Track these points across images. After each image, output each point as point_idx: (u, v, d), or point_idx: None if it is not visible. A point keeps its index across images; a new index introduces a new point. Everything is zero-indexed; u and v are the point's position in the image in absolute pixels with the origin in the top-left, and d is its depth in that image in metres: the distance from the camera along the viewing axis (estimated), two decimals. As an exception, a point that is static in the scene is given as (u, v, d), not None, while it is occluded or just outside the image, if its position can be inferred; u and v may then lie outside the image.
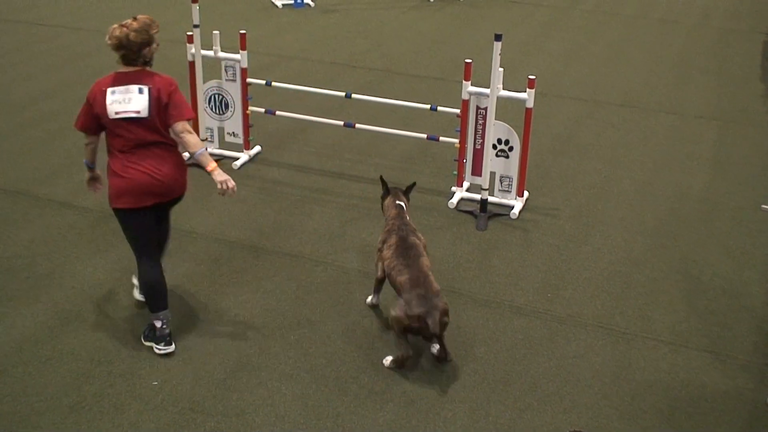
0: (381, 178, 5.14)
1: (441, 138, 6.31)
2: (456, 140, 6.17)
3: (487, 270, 5.39)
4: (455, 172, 6.30)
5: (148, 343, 4.54)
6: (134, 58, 4.30)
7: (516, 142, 5.98)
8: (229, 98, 6.68)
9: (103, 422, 4.02)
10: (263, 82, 6.71)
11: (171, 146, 4.43)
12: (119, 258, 5.35)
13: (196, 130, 6.75)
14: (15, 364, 4.39)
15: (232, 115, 6.73)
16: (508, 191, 6.14)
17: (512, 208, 6.09)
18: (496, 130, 5.96)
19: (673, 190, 6.56)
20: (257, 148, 6.97)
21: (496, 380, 4.38)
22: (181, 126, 4.33)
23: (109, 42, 4.27)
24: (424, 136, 6.40)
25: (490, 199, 6.09)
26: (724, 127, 7.93)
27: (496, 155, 6.05)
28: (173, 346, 4.50)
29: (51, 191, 6.27)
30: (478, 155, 6.10)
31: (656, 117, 8.13)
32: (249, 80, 6.60)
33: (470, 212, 6.09)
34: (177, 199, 4.57)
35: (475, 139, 6.08)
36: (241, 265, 5.35)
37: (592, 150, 7.30)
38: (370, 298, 4.95)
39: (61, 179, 6.39)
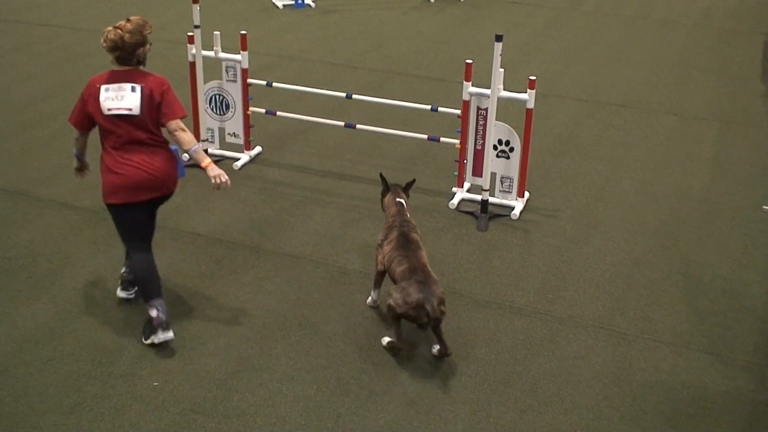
0: (381, 175, 5.20)
1: (442, 139, 6.31)
2: (457, 141, 6.17)
3: (488, 271, 5.39)
4: (456, 173, 6.30)
5: (149, 341, 4.54)
6: (129, 58, 4.42)
7: (517, 143, 5.98)
8: (229, 99, 6.68)
9: (104, 423, 4.02)
10: (264, 82, 6.71)
11: (161, 143, 4.55)
12: (120, 258, 5.34)
13: (197, 130, 6.75)
14: (16, 365, 4.39)
15: (232, 116, 6.73)
16: (508, 192, 6.14)
17: (513, 208, 6.09)
18: (496, 130, 5.96)
19: (673, 191, 6.56)
20: (258, 149, 6.97)
21: (497, 381, 4.38)
22: (175, 124, 4.48)
23: (104, 44, 4.39)
24: (425, 136, 6.40)
25: (491, 199, 6.09)
26: (724, 127, 7.93)
27: (497, 156, 6.05)
28: (171, 332, 4.49)
29: (51, 191, 6.27)
30: (478, 156, 6.10)
31: (657, 117, 8.13)
32: (250, 81, 6.60)
33: (471, 213, 6.09)
34: (168, 195, 4.67)
35: (475, 139, 6.08)
36: (242, 266, 5.35)
37: (593, 150, 7.30)
38: (370, 299, 4.96)
39: (61, 179, 6.39)
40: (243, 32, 6.51)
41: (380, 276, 4.84)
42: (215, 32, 6.55)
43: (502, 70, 5.73)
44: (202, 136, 6.74)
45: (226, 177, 4.51)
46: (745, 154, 7.30)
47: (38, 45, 9.89)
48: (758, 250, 5.73)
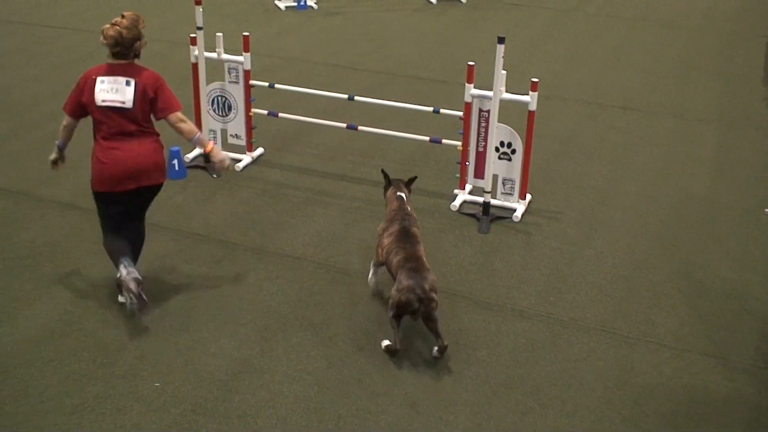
0: (382, 170, 5.30)
1: (444, 140, 6.31)
2: (459, 143, 6.17)
3: (490, 273, 5.39)
4: (458, 175, 6.30)
5: (122, 298, 4.73)
6: (126, 53, 4.64)
7: (518, 145, 5.98)
8: (232, 100, 6.68)
9: (106, 423, 4.02)
10: (266, 84, 6.72)
11: (150, 134, 4.73)
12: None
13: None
14: (17, 365, 4.39)
15: (235, 117, 6.73)
16: (510, 194, 6.14)
17: (515, 211, 6.09)
18: (498, 132, 5.96)
19: (675, 193, 6.56)
20: (260, 150, 6.97)
21: (498, 383, 4.37)
22: (175, 117, 4.71)
23: (104, 42, 4.61)
24: (427, 138, 6.40)
25: (493, 201, 6.09)
26: (725, 129, 7.92)
27: (499, 158, 6.04)
28: (140, 278, 4.60)
29: (54, 192, 6.27)
30: (480, 158, 6.10)
31: (658, 119, 8.13)
32: (252, 82, 6.61)
33: (473, 215, 6.09)
34: (156, 188, 4.82)
35: (477, 141, 6.08)
36: (244, 267, 5.35)
37: (595, 153, 7.30)
38: (370, 275, 5.02)
39: (64, 180, 6.39)
40: (245, 34, 6.51)
41: (379, 265, 4.93)
42: (218, 34, 6.55)
43: (504, 72, 5.73)
44: (204, 137, 6.73)
45: (229, 161, 4.90)
46: (746, 157, 7.30)
47: (40, 46, 9.90)
48: (760, 253, 5.72)
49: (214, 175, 6.58)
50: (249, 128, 6.74)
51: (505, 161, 6.04)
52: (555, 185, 6.63)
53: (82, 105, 4.67)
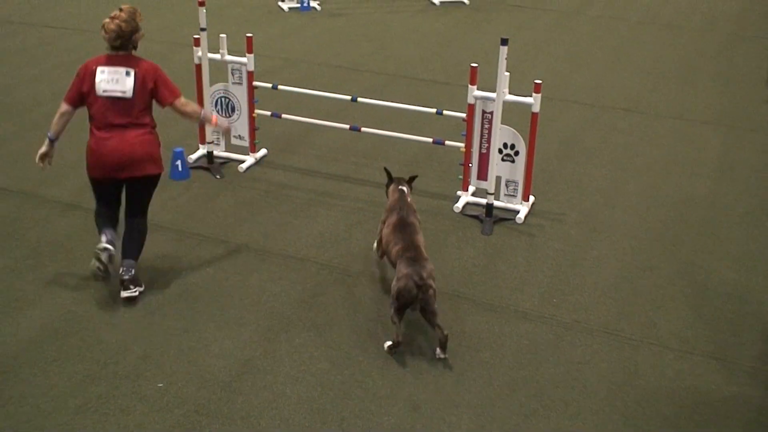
0: (385, 168, 5.41)
1: (447, 142, 6.31)
2: (462, 144, 6.17)
3: (493, 274, 5.39)
4: (461, 177, 6.30)
5: (93, 263, 4.81)
6: (126, 45, 4.83)
7: (522, 147, 5.98)
8: (235, 101, 6.69)
9: (109, 424, 4.02)
10: (269, 85, 6.72)
11: (146, 125, 4.87)
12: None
13: (203, 132, 6.77)
14: (21, 365, 4.39)
15: (238, 118, 6.74)
16: (513, 196, 6.14)
17: (518, 212, 6.08)
18: (501, 134, 5.96)
19: (678, 195, 6.56)
20: (263, 151, 6.98)
21: (502, 385, 4.37)
22: (179, 102, 4.93)
23: (105, 35, 4.80)
24: (430, 140, 6.41)
25: (496, 203, 6.09)
26: (729, 132, 7.92)
27: (502, 159, 6.04)
28: (113, 248, 4.82)
29: (57, 192, 6.28)
30: (483, 159, 6.10)
31: (662, 122, 8.13)
32: (255, 83, 6.61)
33: (476, 216, 6.09)
34: (150, 179, 4.93)
35: (480, 143, 6.08)
36: (247, 268, 5.36)
37: (598, 155, 7.29)
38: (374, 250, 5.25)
39: (66, 180, 6.40)
40: (249, 35, 6.52)
41: (381, 256, 5.09)
42: (221, 35, 6.55)
43: (507, 73, 5.73)
44: (208, 138, 6.75)
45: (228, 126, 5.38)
46: (750, 159, 7.29)
47: (41, 46, 9.91)
48: (762, 254, 5.72)
49: (218, 176, 6.59)
50: (252, 129, 6.74)
51: (509, 163, 6.04)
52: (558, 187, 6.63)
53: (82, 94, 4.82)
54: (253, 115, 6.70)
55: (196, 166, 6.75)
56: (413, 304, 4.47)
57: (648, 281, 5.37)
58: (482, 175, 6.14)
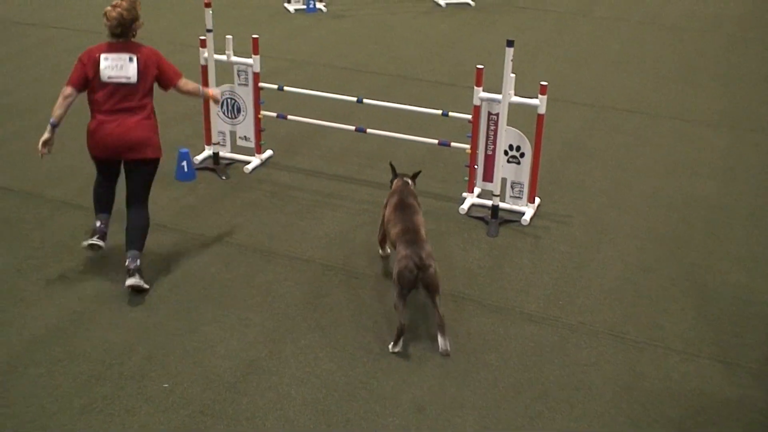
0: (390, 164, 5.54)
1: (452, 143, 6.31)
2: (467, 146, 6.17)
3: (498, 276, 5.39)
4: (466, 178, 6.30)
5: (85, 243, 5.13)
6: (126, 32, 5.02)
7: (527, 148, 5.97)
8: (241, 102, 6.70)
9: (114, 424, 4.03)
10: (275, 86, 6.73)
11: (145, 110, 5.05)
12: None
13: (209, 133, 6.78)
14: (26, 365, 4.40)
15: (244, 120, 6.74)
16: (519, 197, 6.13)
17: (523, 214, 6.08)
18: (507, 136, 5.96)
19: (683, 197, 6.55)
20: (269, 152, 6.99)
21: (507, 387, 4.37)
22: (182, 82, 5.21)
23: (107, 22, 5.00)
24: (436, 141, 6.41)
25: (501, 205, 6.08)
26: (733, 133, 7.90)
27: (508, 161, 6.04)
28: (103, 242, 5.14)
29: (61, 192, 6.30)
30: (489, 161, 6.10)
31: (666, 123, 8.11)
32: (261, 85, 6.62)
33: (481, 218, 6.08)
34: (150, 163, 5.11)
35: (486, 144, 6.08)
36: (252, 269, 5.36)
37: (603, 156, 7.29)
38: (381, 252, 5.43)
39: (71, 180, 6.42)
40: (255, 36, 6.53)
41: (382, 242, 5.31)
42: (227, 36, 6.57)
43: (513, 75, 5.73)
44: (214, 139, 6.76)
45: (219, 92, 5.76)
46: (754, 160, 7.28)
47: (45, 47, 9.93)
48: (767, 256, 5.72)
49: (223, 177, 6.60)
50: (258, 130, 6.75)
51: (514, 164, 6.04)
52: (563, 188, 6.62)
53: (86, 78, 4.96)
54: (259, 116, 6.71)
55: (202, 167, 6.77)
56: (415, 285, 4.53)
57: (653, 283, 5.36)
58: (488, 176, 6.14)
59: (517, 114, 6.11)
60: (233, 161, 6.84)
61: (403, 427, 4.08)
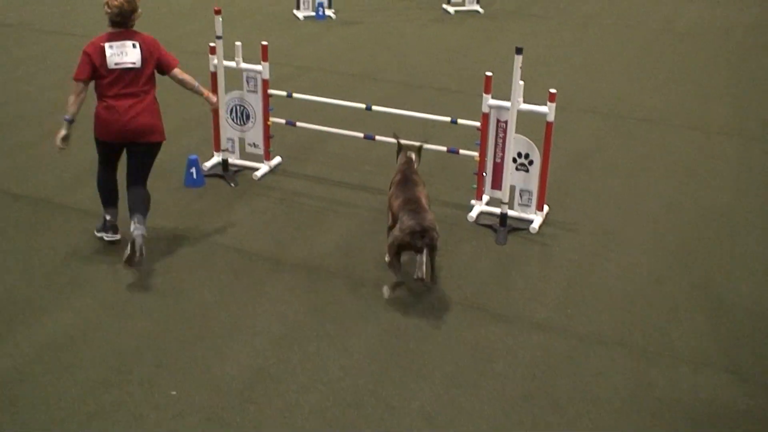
0: (394, 134, 5.83)
1: (461, 151, 6.31)
2: (476, 153, 6.16)
3: (507, 284, 5.37)
4: (475, 186, 6.29)
5: (99, 234, 5.63)
6: (126, 22, 5.27)
7: (536, 156, 5.96)
8: (250, 109, 6.71)
9: (121, 431, 4.02)
10: (284, 93, 6.74)
11: (150, 93, 5.35)
12: (141, 267, 5.37)
13: (218, 140, 6.80)
14: (35, 372, 4.41)
15: (253, 126, 6.75)
16: (527, 205, 6.12)
17: (532, 222, 6.06)
18: (516, 143, 5.95)
19: (694, 206, 6.51)
20: (278, 159, 7.00)
21: (516, 396, 4.35)
22: (178, 70, 5.50)
23: (108, 11, 5.22)
24: (444, 148, 6.40)
25: (510, 213, 6.07)
26: (746, 143, 7.87)
27: (516, 169, 6.03)
28: (119, 235, 5.56)
29: (73, 199, 6.32)
30: (498, 169, 6.09)
31: (678, 132, 8.09)
32: (270, 91, 6.63)
33: (490, 226, 6.07)
34: (153, 146, 5.40)
35: (495, 152, 6.07)
36: (261, 276, 5.36)
37: (613, 165, 7.26)
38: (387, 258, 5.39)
39: (83, 187, 6.44)
40: (264, 43, 6.54)
41: (391, 221, 5.31)
42: (237, 43, 6.58)
43: (522, 82, 5.72)
44: (223, 145, 6.77)
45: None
46: (767, 170, 7.23)
47: (60, 54, 9.98)
48: (780, 268, 5.67)
49: (232, 184, 6.60)
50: (267, 137, 6.76)
51: (523, 172, 6.03)
52: (572, 197, 6.60)
53: (93, 69, 5.21)
54: (268, 123, 6.71)
55: (211, 174, 6.78)
56: (420, 250, 4.83)
57: (663, 293, 5.33)
58: (496, 184, 6.13)
59: (527, 122, 6.10)
60: (242, 168, 6.85)
61: (410, 436, 4.07)
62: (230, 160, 6.84)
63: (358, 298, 5.16)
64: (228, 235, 5.87)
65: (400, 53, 10.49)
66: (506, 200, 5.99)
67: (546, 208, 6.22)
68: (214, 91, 6.67)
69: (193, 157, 6.57)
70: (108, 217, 5.55)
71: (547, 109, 5.80)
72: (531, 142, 5.96)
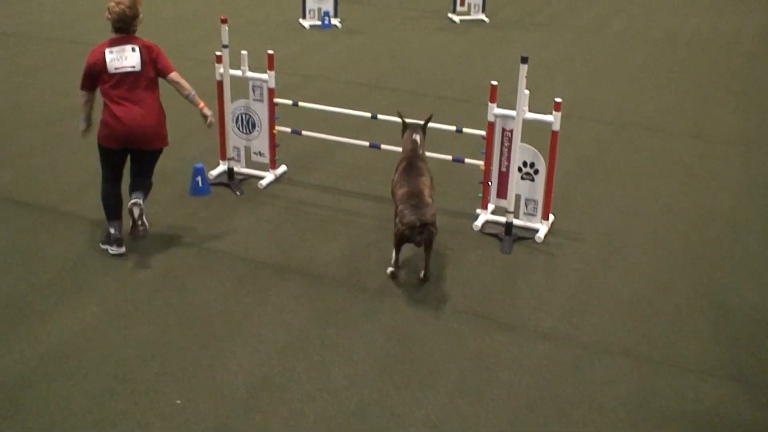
0: (399, 113, 5.96)
1: (466, 160, 6.31)
2: (481, 162, 6.17)
3: (512, 293, 5.37)
4: (480, 195, 6.29)
5: (104, 246, 5.65)
6: (127, 28, 5.38)
7: (541, 165, 5.96)
8: (256, 118, 6.73)
9: (127, 440, 4.03)
10: (290, 102, 6.76)
11: (153, 95, 5.46)
12: (146, 275, 5.39)
13: (223, 149, 6.82)
14: (39, 380, 4.42)
15: (258, 135, 6.77)
16: (533, 214, 6.12)
17: (537, 231, 6.06)
18: (521, 152, 5.95)
19: (698, 215, 6.51)
20: (283, 168, 7.01)
21: (521, 406, 4.34)
22: (175, 75, 5.55)
23: (110, 16, 5.33)
24: (450, 157, 6.40)
25: (515, 222, 6.07)
26: (750, 151, 7.86)
27: (522, 178, 6.03)
28: (123, 248, 5.60)
29: (78, 207, 6.34)
30: (503, 178, 6.09)
31: (682, 140, 8.08)
32: (276, 100, 6.65)
33: (495, 235, 6.07)
34: (157, 151, 5.57)
35: (500, 161, 6.07)
36: (266, 285, 5.37)
37: (618, 173, 7.26)
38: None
39: (88, 196, 6.46)
40: (270, 52, 6.57)
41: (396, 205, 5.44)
42: (243, 52, 6.61)
43: (527, 91, 5.73)
44: (229, 154, 6.79)
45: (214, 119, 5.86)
46: (772, 179, 7.23)
47: (68, 62, 10.03)
48: (786, 277, 5.66)
49: (238, 193, 6.62)
50: (272, 146, 6.78)
51: (528, 181, 6.03)
52: (577, 206, 6.60)
53: (96, 77, 5.36)
54: (274, 131, 6.73)
55: (217, 183, 6.79)
56: (418, 244, 5.10)
57: (668, 302, 5.32)
58: (502, 193, 6.13)
59: (531, 130, 6.11)
60: (248, 177, 6.87)
61: (415, 445, 4.06)
62: (236, 169, 6.85)
63: (363, 306, 5.16)
64: (233, 243, 5.88)
65: (405, 62, 10.51)
66: (511, 209, 6.00)
67: (551, 217, 6.21)
68: (220, 100, 6.70)
69: (199, 165, 6.58)
70: (113, 231, 5.60)
71: (552, 119, 5.80)
72: (536, 151, 5.96)
